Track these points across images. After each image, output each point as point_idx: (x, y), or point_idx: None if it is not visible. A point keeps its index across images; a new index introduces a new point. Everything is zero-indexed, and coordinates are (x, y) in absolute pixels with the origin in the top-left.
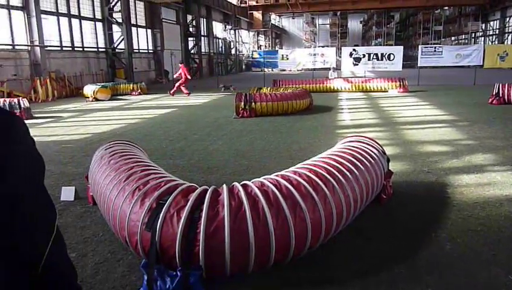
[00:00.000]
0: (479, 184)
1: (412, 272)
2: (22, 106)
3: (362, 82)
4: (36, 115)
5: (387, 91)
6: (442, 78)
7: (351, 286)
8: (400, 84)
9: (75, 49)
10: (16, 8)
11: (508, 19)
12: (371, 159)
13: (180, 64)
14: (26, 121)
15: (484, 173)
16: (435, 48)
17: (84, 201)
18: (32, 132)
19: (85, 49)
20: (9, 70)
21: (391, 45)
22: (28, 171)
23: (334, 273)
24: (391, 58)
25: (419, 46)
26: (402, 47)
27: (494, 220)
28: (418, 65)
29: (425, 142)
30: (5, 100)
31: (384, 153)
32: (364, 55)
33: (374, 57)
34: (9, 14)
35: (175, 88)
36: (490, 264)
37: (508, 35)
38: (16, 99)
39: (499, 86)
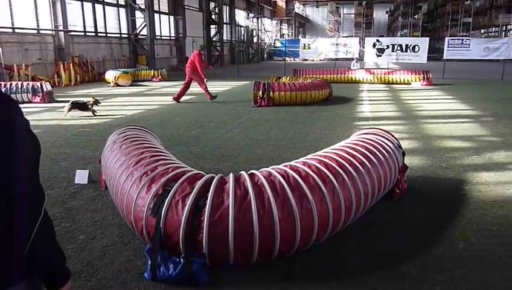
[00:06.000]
0: (498, 182)
1: (421, 271)
2: (45, 89)
3: (385, 74)
4: (58, 99)
5: (410, 84)
6: (468, 72)
7: (356, 282)
8: (424, 77)
9: (99, 34)
10: None
11: None
12: (384, 152)
13: None
14: (48, 105)
15: (505, 171)
16: (462, 40)
17: (97, 185)
18: (52, 115)
19: (108, 34)
20: (34, 54)
21: (417, 36)
22: (26, 149)
23: (340, 268)
24: (416, 50)
25: (446, 38)
26: (428, 38)
27: None
28: (444, 58)
29: (446, 137)
30: (28, 83)
31: (400, 147)
32: (388, 46)
33: (398, 48)
34: None
35: None
36: (505, 266)
37: None
38: (38, 83)
39: None
